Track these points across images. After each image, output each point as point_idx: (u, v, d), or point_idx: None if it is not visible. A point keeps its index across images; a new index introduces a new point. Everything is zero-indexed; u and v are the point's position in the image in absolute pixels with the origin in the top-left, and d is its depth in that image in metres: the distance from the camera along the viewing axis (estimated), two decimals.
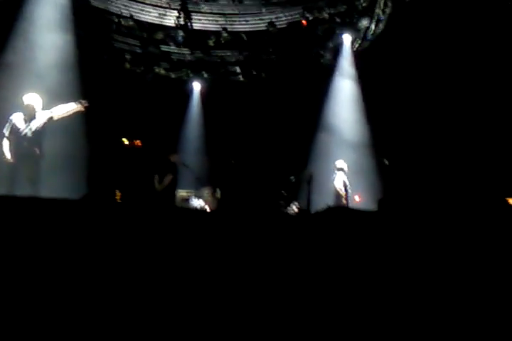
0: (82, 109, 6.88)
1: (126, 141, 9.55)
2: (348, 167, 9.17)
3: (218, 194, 9.33)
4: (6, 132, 6.67)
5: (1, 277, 3.32)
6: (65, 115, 6.88)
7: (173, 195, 8.66)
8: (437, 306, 3.52)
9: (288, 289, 3.82)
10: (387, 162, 9.52)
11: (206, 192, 9.39)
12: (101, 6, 11.13)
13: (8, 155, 6.59)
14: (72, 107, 6.85)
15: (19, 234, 3.71)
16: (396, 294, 3.74)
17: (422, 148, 9.13)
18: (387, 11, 10.90)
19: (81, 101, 6.89)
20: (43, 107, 6.83)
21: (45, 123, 6.75)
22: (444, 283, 3.83)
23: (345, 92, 11.00)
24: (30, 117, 6.73)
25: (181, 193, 9.39)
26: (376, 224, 4.87)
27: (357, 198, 9.27)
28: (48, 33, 8.84)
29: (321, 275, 4.07)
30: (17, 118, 6.72)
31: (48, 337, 2.95)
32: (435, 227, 4.56)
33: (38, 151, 6.69)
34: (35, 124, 6.70)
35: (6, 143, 6.64)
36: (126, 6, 11.38)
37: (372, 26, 11.19)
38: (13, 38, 8.62)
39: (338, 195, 8.96)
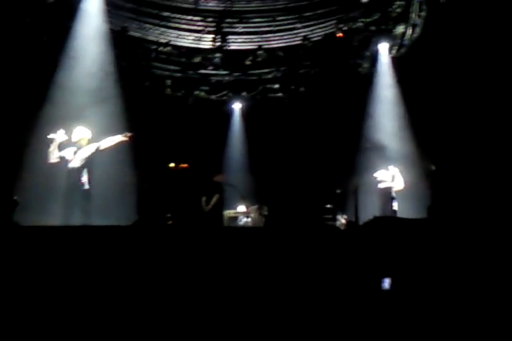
0: (127, 139, 7.11)
1: (172, 165, 9.75)
2: (393, 176, 9.15)
3: (265, 211, 9.35)
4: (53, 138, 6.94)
5: (58, 300, 3.48)
6: (111, 145, 7.12)
7: (221, 215, 8.76)
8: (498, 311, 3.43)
9: (342, 302, 3.80)
10: (434, 168, 9.35)
11: (253, 210, 9.44)
12: (139, 35, 11.51)
13: (52, 157, 6.90)
14: (117, 139, 7.09)
15: (76, 261, 3.87)
16: (449, 303, 3.67)
17: (469, 153, 8.88)
18: (423, 14, 10.72)
19: (126, 133, 7.13)
20: (91, 139, 7.11)
21: (92, 153, 7.00)
22: (499, 291, 3.72)
23: (386, 100, 10.86)
24: (79, 149, 7.02)
25: (229, 213, 9.49)
26: (426, 232, 4.79)
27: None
28: (90, 67, 9.17)
29: (375, 285, 4.04)
30: (67, 152, 7.00)
31: None
32: (487, 234, 4.43)
33: (87, 181, 6.92)
34: (83, 155, 6.97)
35: (54, 146, 6.92)
36: (163, 33, 11.69)
37: (409, 31, 11.04)
38: (58, 74, 8.99)
39: (384, 204, 8.94)
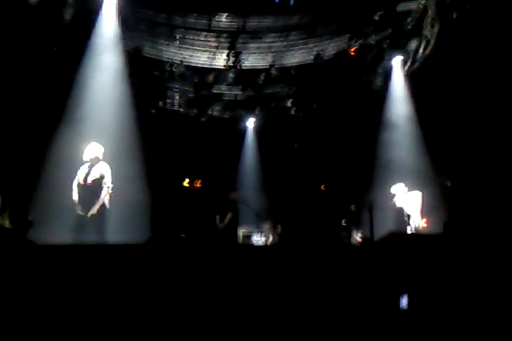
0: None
1: (186, 183, 9.76)
2: (408, 191, 9.07)
3: (279, 229, 9.28)
4: (74, 184, 6.98)
5: (74, 318, 3.45)
6: None
7: (235, 233, 8.71)
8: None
9: (359, 321, 3.71)
10: (449, 184, 9.26)
11: (267, 227, 9.38)
12: (152, 55, 11.63)
13: (80, 207, 6.89)
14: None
15: (90, 279, 3.84)
16: (467, 321, 3.57)
17: (485, 168, 8.79)
18: (436, 29, 10.70)
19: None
20: (105, 157, 7.13)
21: (105, 171, 7.01)
22: None
23: (399, 116, 10.82)
24: (92, 167, 7.03)
25: (243, 231, 9.43)
26: (443, 248, 4.70)
27: (423, 223, 9.00)
28: (105, 87, 9.25)
29: (393, 303, 3.95)
30: (80, 170, 7.03)
31: None
32: (506, 250, 4.33)
33: (100, 200, 6.92)
34: (95, 173, 6.98)
35: (75, 194, 6.95)
36: (176, 52, 11.78)
37: (422, 47, 11.03)
38: (73, 95, 9.08)
39: (399, 221, 8.83)
